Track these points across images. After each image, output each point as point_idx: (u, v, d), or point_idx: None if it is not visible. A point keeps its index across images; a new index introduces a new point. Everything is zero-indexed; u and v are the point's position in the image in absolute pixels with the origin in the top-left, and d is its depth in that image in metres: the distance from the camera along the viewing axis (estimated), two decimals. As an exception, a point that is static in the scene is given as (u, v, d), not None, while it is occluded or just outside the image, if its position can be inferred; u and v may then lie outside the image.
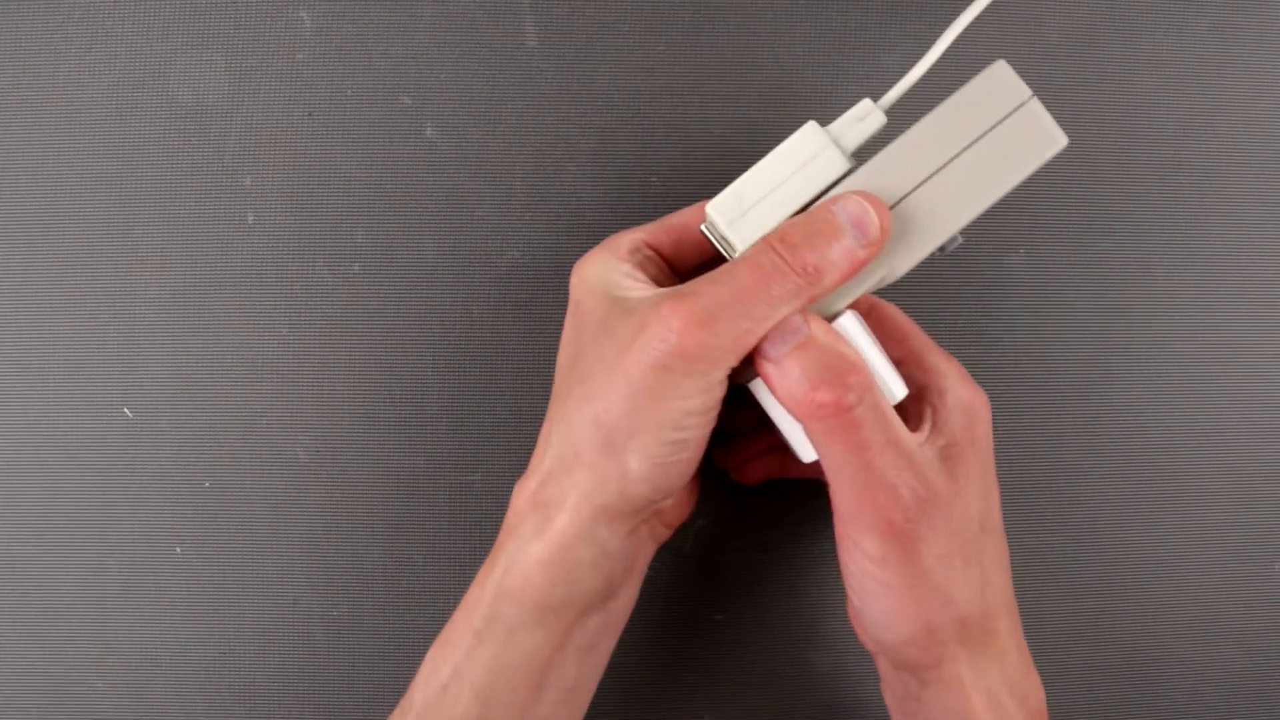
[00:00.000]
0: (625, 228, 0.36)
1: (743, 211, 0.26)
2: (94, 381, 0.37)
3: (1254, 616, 0.36)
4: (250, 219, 0.37)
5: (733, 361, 0.25)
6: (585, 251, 0.30)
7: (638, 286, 0.28)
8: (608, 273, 0.28)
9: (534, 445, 0.37)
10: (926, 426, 0.27)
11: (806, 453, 0.27)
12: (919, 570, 0.25)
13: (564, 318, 0.29)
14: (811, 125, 0.26)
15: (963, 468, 0.26)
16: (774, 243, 0.25)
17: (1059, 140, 0.25)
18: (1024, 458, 0.36)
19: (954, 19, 0.28)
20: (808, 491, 0.36)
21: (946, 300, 0.36)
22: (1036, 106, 0.25)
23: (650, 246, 0.30)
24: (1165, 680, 0.36)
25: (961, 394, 0.28)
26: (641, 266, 0.29)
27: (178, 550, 0.37)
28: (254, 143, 0.37)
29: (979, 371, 0.31)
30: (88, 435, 0.37)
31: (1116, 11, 0.37)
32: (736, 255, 0.27)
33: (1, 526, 0.37)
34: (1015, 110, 0.25)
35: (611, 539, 0.26)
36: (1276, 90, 0.36)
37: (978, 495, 0.27)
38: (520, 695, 0.26)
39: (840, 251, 0.25)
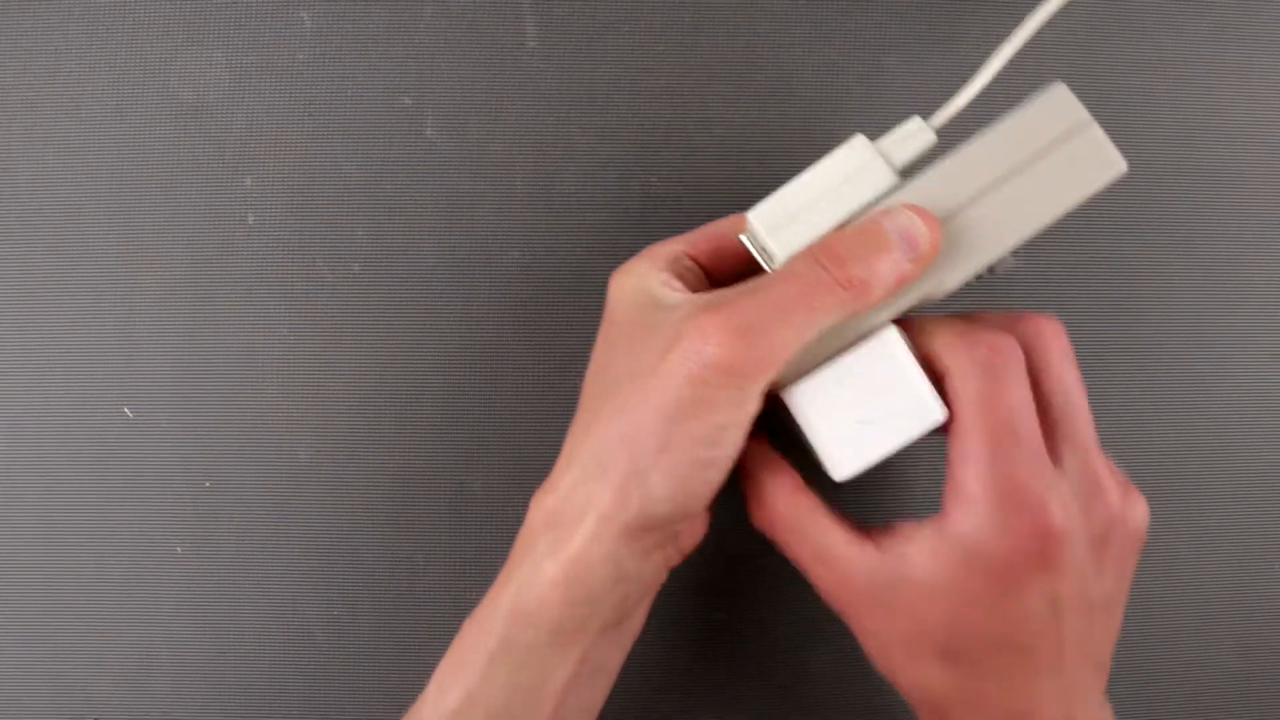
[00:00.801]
0: (626, 228, 0.37)
1: (785, 221, 0.25)
2: (94, 381, 0.37)
3: (1254, 616, 0.36)
4: (250, 219, 0.37)
5: (770, 376, 0.24)
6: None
7: (674, 295, 0.27)
8: (646, 283, 0.27)
9: (534, 446, 0.37)
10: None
11: (838, 469, 0.26)
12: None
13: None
14: (860, 139, 0.26)
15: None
16: (818, 254, 0.24)
17: (1119, 165, 0.25)
18: (1024, 458, 0.36)
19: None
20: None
21: (946, 300, 0.36)
22: (1096, 131, 0.25)
23: (689, 256, 0.29)
24: (1165, 680, 0.36)
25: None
26: (680, 276, 0.28)
27: (178, 550, 0.37)
28: (254, 142, 0.37)
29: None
30: (88, 435, 0.37)
31: (1116, 11, 0.37)
32: (776, 265, 0.26)
33: (1, 526, 0.37)
34: (1074, 132, 0.25)
35: (629, 560, 0.25)
36: (1276, 90, 0.36)
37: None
38: (536, 718, 0.26)
39: (888, 265, 0.24)
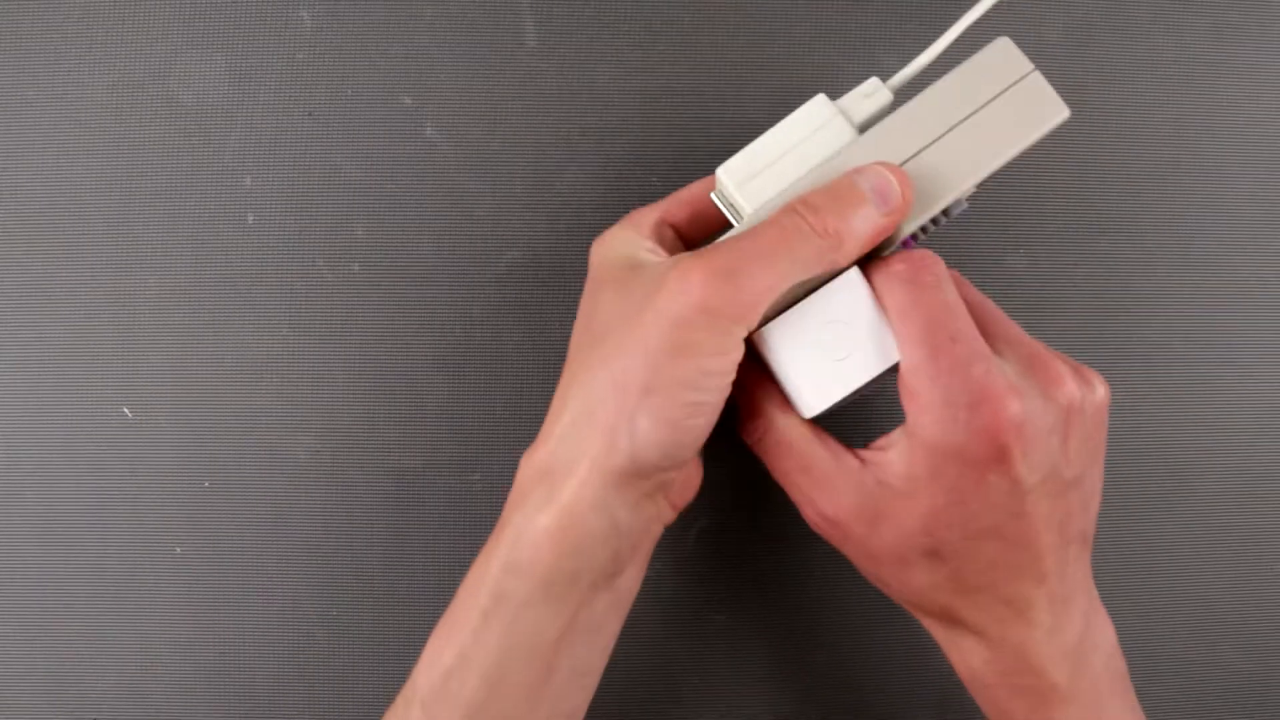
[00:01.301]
0: (625, 227, 0.37)
1: (752, 175, 0.27)
2: (93, 381, 0.37)
3: (1254, 616, 0.36)
4: (250, 219, 0.37)
5: (753, 320, 0.25)
6: (585, 251, 0.30)
7: (656, 257, 0.28)
8: (630, 248, 0.28)
9: (534, 443, 0.37)
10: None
11: (807, 405, 0.27)
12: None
13: (564, 315, 0.29)
14: (821, 97, 0.27)
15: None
16: (798, 206, 0.25)
17: (1061, 110, 0.26)
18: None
19: (955, 18, 0.28)
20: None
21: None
22: (1039, 79, 0.26)
23: (668, 223, 0.30)
24: (1165, 680, 0.36)
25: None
26: (662, 243, 0.29)
27: (177, 550, 0.37)
28: (254, 143, 0.37)
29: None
30: (87, 435, 0.37)
31: (1116, 11, 0.37)
32: (743, 220, 0.27)
33: (1, 526, 0.37)
34: (1018, 81, 0.26)
35: (620, 508, 0.26)
36: (1276, 90, 0.36)
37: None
38: (529, 677, 0.26)
39: (862, 218, 0.25)
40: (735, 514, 0.37)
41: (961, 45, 0.28)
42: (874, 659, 0.36)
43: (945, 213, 0.27)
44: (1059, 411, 0.25)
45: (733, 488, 0.36)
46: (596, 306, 0.27)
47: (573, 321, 0.37)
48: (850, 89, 0.35)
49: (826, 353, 0.26)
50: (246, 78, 0.37)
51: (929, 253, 0.26)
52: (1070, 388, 0.26)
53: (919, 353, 0.25)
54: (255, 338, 0.37)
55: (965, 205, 0.27)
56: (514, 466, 0.37)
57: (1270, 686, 0.36)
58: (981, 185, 0.26)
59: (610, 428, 0.25)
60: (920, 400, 0.25)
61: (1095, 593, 0.28)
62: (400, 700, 0.28)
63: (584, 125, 0.37)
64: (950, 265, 0.27)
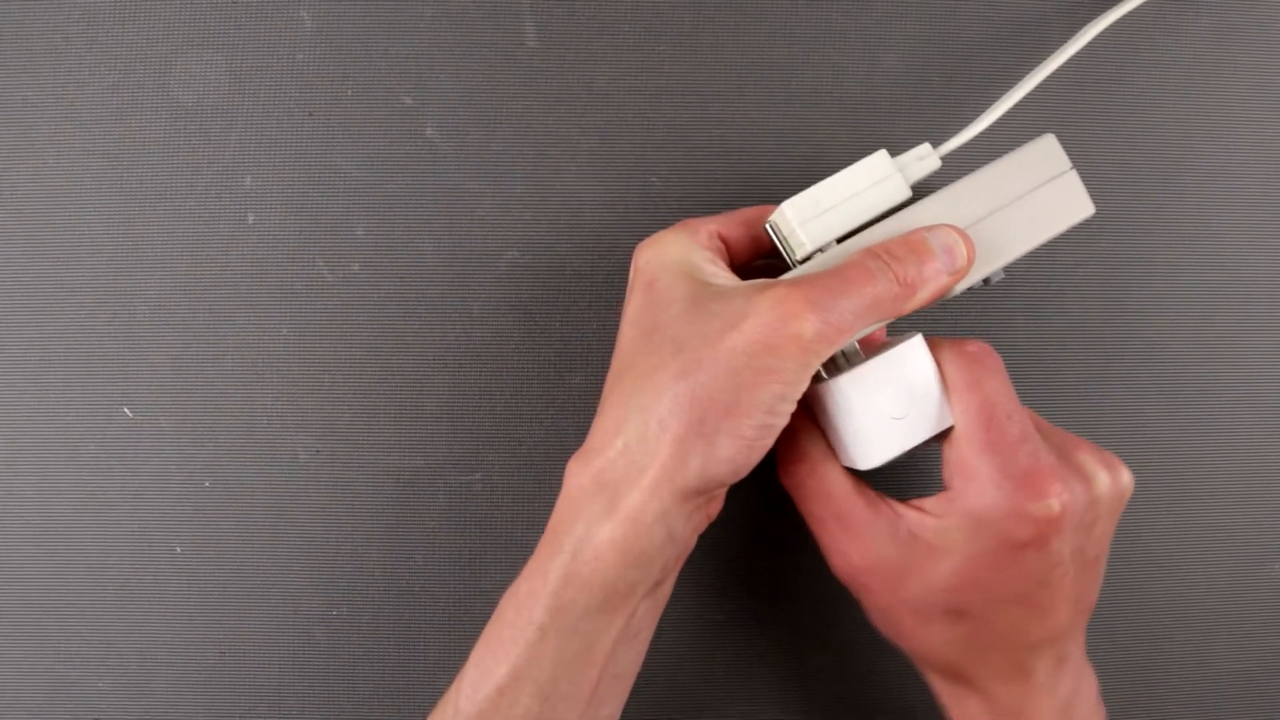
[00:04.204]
0: (625, 227, 0.37)
1: (816, 215, 0.29)
2: (94, 381, 0.37)
3: (1253, 616, 0.36)
4: (251, 219, 0.37)
5: (828, 354, 0.26)
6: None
7: (721, 274, 0.28)
8: (689, 255, 0.28)
9: (533, 445, 0.37)
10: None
11: (863, 457, 0.28)
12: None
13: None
14: (883, 153, 0.30)
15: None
16: (880, 253, 0.27)
17: (1087, 209, 0.29)
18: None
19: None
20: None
21: (947, 300, 0.36)
22: (1074, 178, 0.29)
23: (720, 237, 0.30)
24: (1165, 680, 0.36)
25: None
26: (719, 254, 0.30)
27: (178, 550, 0.37)
28: (254, 143, 0.37)
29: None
30: (88, 435, 0.37)
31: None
32: (798, 256, 0.29)
33: (1, 526, 0.37)
34: (1056, 177, 0.29)
35: (677, 520, 0.26)
36: (1276, 90, 0.36)
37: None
38: (580, 688, 0.26)
39: (933, 273, 0.27)
40: (735, 513, 0.37)
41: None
42: (873, 658, 0.36)
43: (985, 281, 0.29)
44: (1092, 498, 0.27)
45: (733, 487, 0.36)
46: (660, 315, 0.27)
47: (572, 320, 0.37)
48: (850, 89, 0.36)
49: (887, 411, 0.28)
50: (247, 78, 0.37)
51: (988, 346, 0.28)
52: (1103, 478, 0.28)
53: (975, 424, 0.27)
54: (255, 338, 0.37)
55: (1002, 275, 0.30)
56: (514, 466, 0.37)
57: (1269, 686, 0.36)
58: (1011, 265, 0.29)
59: (683, 441, 0.25)
60: (969, 468, 0.27)
61: (1084, 647, 0.30)
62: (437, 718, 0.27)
63: (584, 125, 0.37)
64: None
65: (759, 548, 0.37)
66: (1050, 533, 0.26)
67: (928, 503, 0.28)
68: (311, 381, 0.37)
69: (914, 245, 0.27)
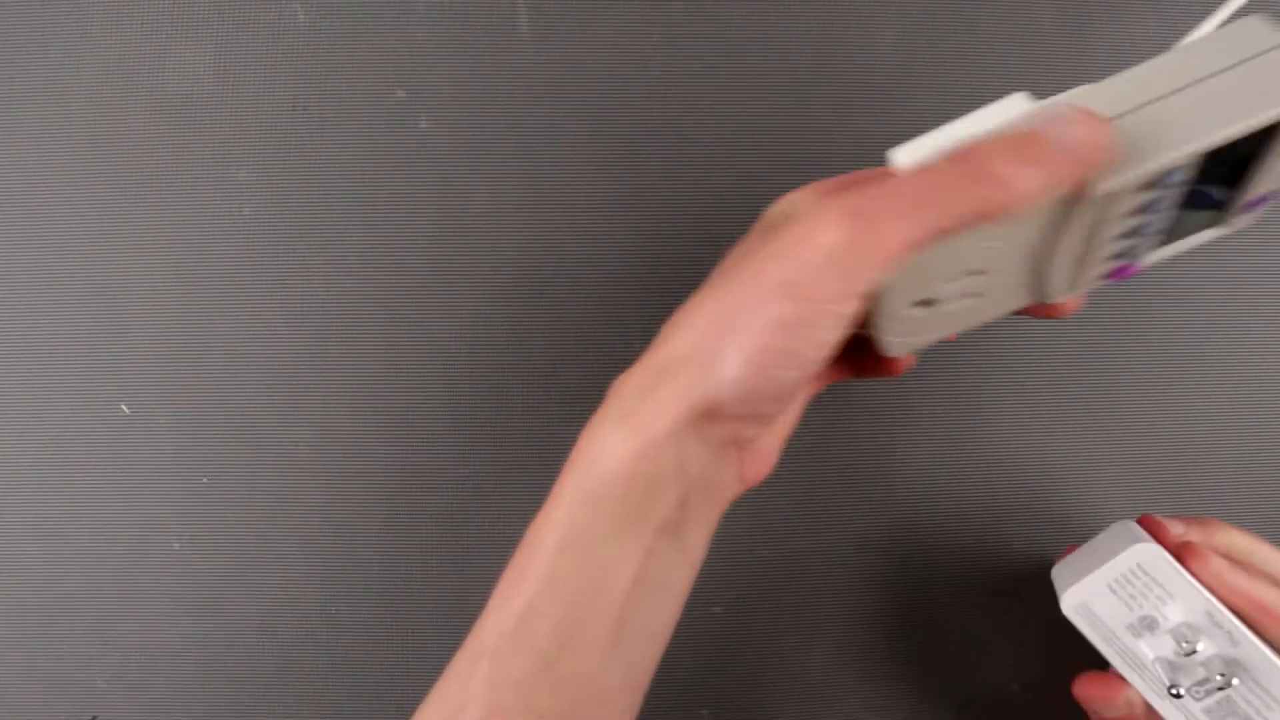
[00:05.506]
0: (620, 218, 0.37)
1: (931, 156, 0.24)
2: (91, 378, 0.37)
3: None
4: (245, 212, 0.37)
5: (882, 271, 0.22)
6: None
7: None
8: (803, 199, 0.27)
9: (533, 443, 0.37)
10: None
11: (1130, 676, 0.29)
12: None
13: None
14: (1021, 94, 0.24)
15: None
16: (958, 151, 0.23)
17: None
18: (1022, 445, 0.36)
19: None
20: (807, 483, 0.36)
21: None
22: None
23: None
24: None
25: None
26: None
27: (176, 546, 0.37)
28: (248, 137, 0.37)
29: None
30: (85, 432, 0.37)
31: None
32: None
33: (1, 525, 0.37)
34: (1264, 53, 0.22)
35: (692, 447, 0.25)
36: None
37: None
38: (602, 629, 0.25)
39: (1036, 159, 0.22)
40: (733, 507, 0.37)
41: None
42: (872, 656, 0.36)
43: (1226, 215, 0.24)
44: None
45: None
46: (751, 242, 0.26)
47: (569, 316, 0.37)
48: (845, 75, 0.34)
49: (1135, 617, 0.29)
50: (239, 71, 0.37)
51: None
52: None
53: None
54: (252, 334, 0.37)
55: (1247, 219, 0.23)
56: (514, 466, 0.37)
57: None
58: (1218, 156, 0.22)
59: (700, 359, 0.24)
60: None
61: None
62: (463, 656, 0.26)
63: (578, 116, 0.37)
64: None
65: (759, 540, 0.37)
66: None
67: None
68: (309, 378, 0.37)
69: (1012, 135, 0.22)
